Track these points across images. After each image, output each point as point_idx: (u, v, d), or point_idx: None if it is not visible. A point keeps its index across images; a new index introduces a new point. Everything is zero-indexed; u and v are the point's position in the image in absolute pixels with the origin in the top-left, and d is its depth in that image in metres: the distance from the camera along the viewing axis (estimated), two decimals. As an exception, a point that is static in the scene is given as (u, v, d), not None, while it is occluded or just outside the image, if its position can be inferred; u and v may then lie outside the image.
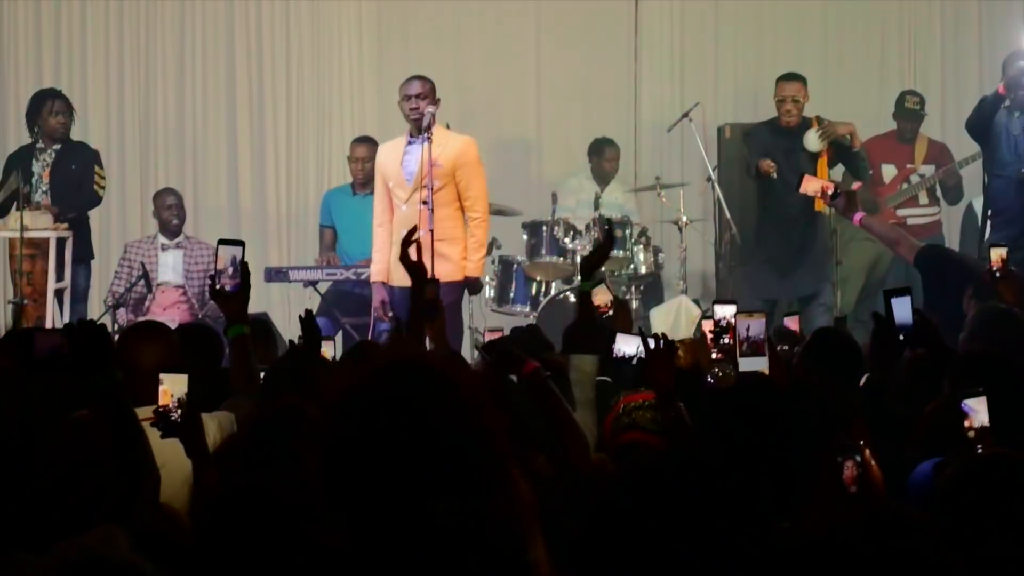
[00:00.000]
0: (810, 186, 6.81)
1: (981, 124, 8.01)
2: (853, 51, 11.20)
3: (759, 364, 4.05)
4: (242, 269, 3.94)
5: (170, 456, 3.38)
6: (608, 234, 5.13)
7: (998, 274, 5.40)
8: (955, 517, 2.57)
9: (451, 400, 2.04)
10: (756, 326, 4.12)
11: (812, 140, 8.71)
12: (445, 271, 7.39)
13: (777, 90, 8.96)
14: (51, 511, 2.62)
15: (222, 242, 4.02)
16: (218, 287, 3.94)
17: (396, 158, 7.78)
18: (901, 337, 4.31)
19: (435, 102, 7.71)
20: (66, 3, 10.89)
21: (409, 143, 7.76)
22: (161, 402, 3.33)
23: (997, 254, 5.48)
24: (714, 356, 4.36)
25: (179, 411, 3.33)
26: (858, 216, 7.09)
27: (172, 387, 3.33)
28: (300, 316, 4.29)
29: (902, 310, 4.35)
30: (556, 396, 3.60)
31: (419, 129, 7.64)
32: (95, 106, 10.83)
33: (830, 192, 6.79)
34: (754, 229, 9.34)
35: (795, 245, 8.86)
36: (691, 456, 2.37)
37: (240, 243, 4.04)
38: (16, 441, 2.69)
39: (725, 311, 4.63)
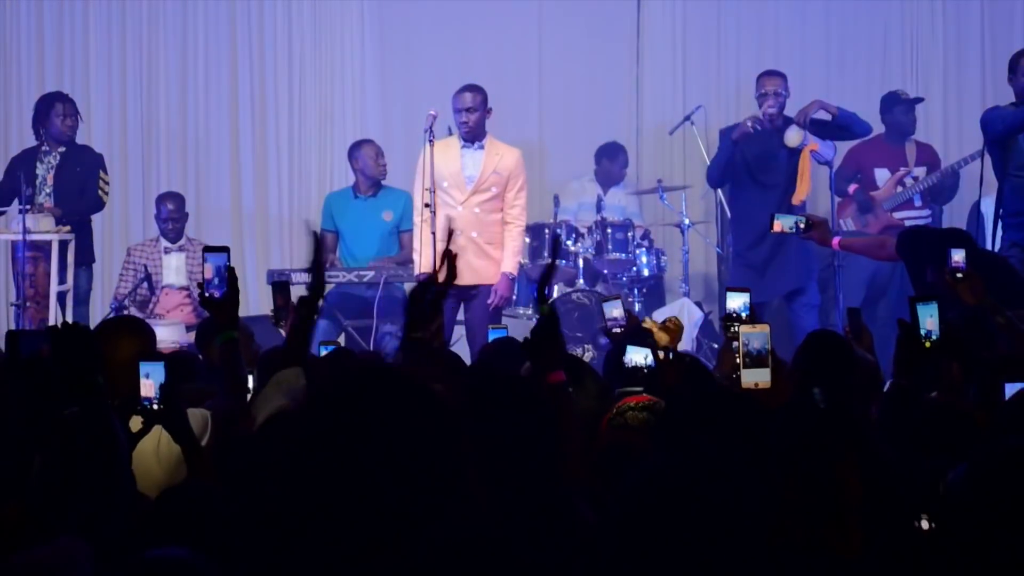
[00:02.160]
0: (784, 223, 6.84)
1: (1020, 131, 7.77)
2: (855, 53, 11.20)
3: (761, 376, 4.04)
4: (229, 275, 3.97)
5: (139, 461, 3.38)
6: (553, 251, 5.03)
7: (959, 275, 5.28)
8: (983, 508, 2.55)
9: (412, 412, 2.04)
10: (759, 337, 4.10)
11: (791, 135, 8.69)
12: (490, 273, 7.97)
13: (758, 86, 8.94)
14: (17, 517, 2.57)
15: (207, 250, 4.05)
16: (207, 295, 3.97)
17: (454, 160, 8.03)
18: (927, 344, 4.30)
19: (487, 111, 8.15)
20: (68, 6, 10.90)
21: (464, 146, 8.07)
22: (142, 392, 3.33)
23: (957, 256, 5.36)
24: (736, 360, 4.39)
25: (159, 399, 3.34)
26: (836, 240, 7.11)
27: (150, 374, 3.33)
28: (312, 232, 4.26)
29: (928, 317, 4.34)
30: (572, 409, 3.64)
31: (471, 139, 8.02)
32: (97, 109, 10.83)
33: (802, 227, 6.80)
34: (730, 232, 9.33)
35: (770, 241, 8.77)
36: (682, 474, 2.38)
37: (225, 249, 4.06)
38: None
39: (737, 300, 4.65)
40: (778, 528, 2.64)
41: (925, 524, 3.16)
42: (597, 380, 4.45)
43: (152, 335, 4.20)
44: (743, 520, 2.30)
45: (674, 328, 4.88)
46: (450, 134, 8.28)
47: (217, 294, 3.95)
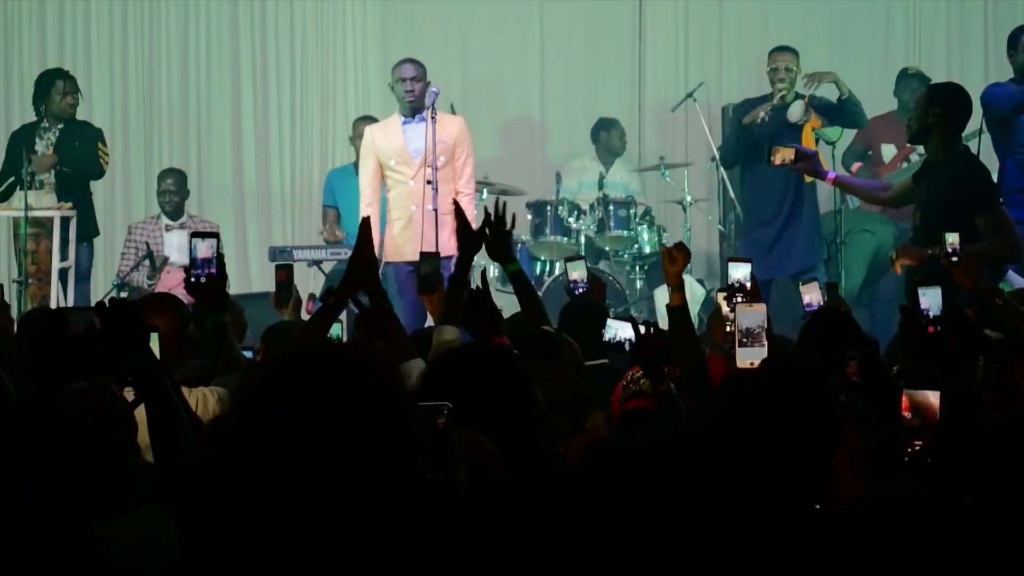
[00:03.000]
0: (787, 155, 6.86)
1: None
2: (858, 30, 11.18)
3: (758, 355, 4.01)
4: (218, 261, 3.94)
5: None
6: (496, 217, 4.86)
7: (955, 259, 5.15)
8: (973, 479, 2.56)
9: (352, 392, 2.03)
10: (756, 316, 4.08)
11: (795, 110, 8.65)
12: (452, 245, 7.51)
13: (770, 61, 8.92)
14: (88, 489, 2.59)
15: (195, 235, 4.01)
16: (192, 279, 3.93)
17: (396, 137, 7.84)
18: (931, 329, 4.27)
19: (427, 83, 7.87)
20: (70, -18, 10.90)
21: (405, 122, 7.82)
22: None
23: (951, 239, 5.28)
24: (728, 328, 4.37)
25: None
26: (831, 176, 7.08)
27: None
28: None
29: (932, 301, 4.30)
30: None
31: (413, 110, 7.75)
32: (99, 85, 10.82)
33: (791, 158, 6.83)
34: (742, 207, 9.31)
35: (781, 220, 8.77)
36: (690, 434, 2.37)
37: (215, 235, 4.05)
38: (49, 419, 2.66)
39: (740, 270, 4.61)
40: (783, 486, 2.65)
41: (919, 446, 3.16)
42: (575, 355, 4.45)
43: (188, 316, 4.20)
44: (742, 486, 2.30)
45: (679, 256, 4.79)
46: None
47: (203, 279, 3.93)
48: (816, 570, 2.19)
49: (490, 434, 2.88)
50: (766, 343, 4.05)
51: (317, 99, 11.10)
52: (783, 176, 8.71)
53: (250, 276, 10.29)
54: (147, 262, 9.29)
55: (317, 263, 9.20)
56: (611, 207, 9.61)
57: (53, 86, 8.94)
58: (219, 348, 4.08)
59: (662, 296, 9.32)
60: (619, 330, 4.68)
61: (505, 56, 11.08)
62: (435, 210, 7.53)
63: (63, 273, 8.63)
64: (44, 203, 8.52)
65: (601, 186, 9.81)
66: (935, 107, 6.34)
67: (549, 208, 9.57)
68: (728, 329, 4.39)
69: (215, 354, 4.13)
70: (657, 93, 11.11)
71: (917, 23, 11.25)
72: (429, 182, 7.61)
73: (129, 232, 9.62)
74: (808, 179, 8.71)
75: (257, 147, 11.05)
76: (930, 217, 6.38)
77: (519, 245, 9.64)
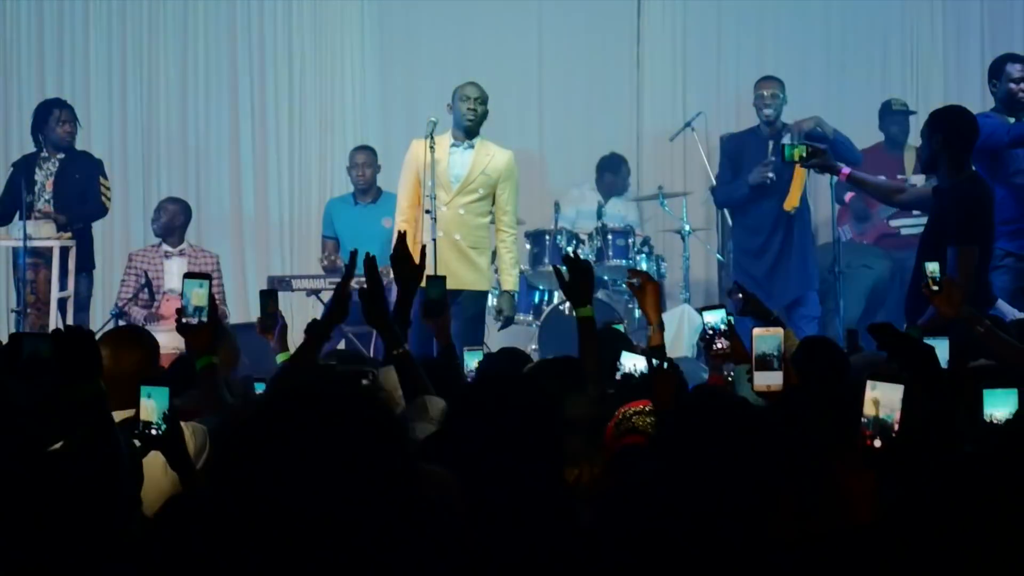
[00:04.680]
0: (798, 152, 6.89)
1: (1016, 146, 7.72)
2: (855, 61, 11.21)
3: (773, 379, 4.02)
4: (209, 303, 4.05)
5: (148, 474, 3.36)
6: (573, 260, 4.93)
7: (936, 288, 4.99)
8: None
9: (344, 432, 2.04)
10: (771, 341, 4.09)
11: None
12: (472, 279, 7.65)
13: (756, 90, 8.97)
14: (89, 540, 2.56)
15: (188, 276, 4.12)
16: (184, 321, 4.03)
17: (441, 158, 7.70)
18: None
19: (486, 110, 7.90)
20: (68, 13, 10.92)
21: (454, 146, 7.77)
22: (143, 416, 3.30)
23: (931, 268, 5.24)
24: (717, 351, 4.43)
25: (161, 424, 3.30)
26: (845, 171, 7.05)
27: (153, 399, 3.32)
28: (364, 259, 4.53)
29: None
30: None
31: (468, 133, 7.74)
32: (98, 116, 10.84)
33: (804, 156, 6.87)
34: (731, 239, 9.33)
35: (773, 254, 8.78)
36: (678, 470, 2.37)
37: (207, 277, 4.15)
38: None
39: (714, 317, 4.64)
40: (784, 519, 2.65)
41: (878, 443, 3.18)
42: (597, 385, 4.47)
43: (156, 347, 4.20)
44: (741, 519, 2.30)
45: (647, 285, 4.85)
46: (430, 140, 7.79)
47: (194, 321, 4.02)
48: None
49: (510, 462, 2.90)
50: (782, 368, 4.06)
51: (315, 128, 11.13)
52: (772, 202, 8.72)
53: (248, 305, 10.28)
54: (145, 291, 9.29)
55: (315, 292, 9.20)
56: (609, 236, 9.61)
57: (50, 115, 8.97)
58: (206, 389, 4.12)
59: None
60: (629, 362, 4.67)
61: (504, 86, 11.07)
62: (435, 240, 7.50)
63: (62, 303, 8.63)
64: (43, 233, 8.54)
65: (599, 215, 9.82)
66: (937, 134, 6.37)
67: (547, 237, 9.58)
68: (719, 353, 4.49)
69: (202, 394, 4.17)
70: (655, 123, 11.13)
71: (914, 55, 11.28)
72: (428, 211, 7.59)
73: (129, 260, 9.61)
74: (789, 205, 8.71)
75: (256, 177, 11.07)
76: (923, 241, 6.42)
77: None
